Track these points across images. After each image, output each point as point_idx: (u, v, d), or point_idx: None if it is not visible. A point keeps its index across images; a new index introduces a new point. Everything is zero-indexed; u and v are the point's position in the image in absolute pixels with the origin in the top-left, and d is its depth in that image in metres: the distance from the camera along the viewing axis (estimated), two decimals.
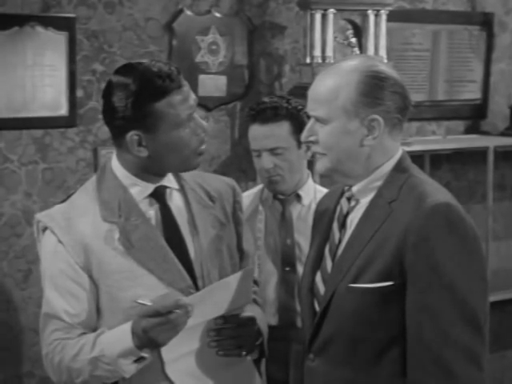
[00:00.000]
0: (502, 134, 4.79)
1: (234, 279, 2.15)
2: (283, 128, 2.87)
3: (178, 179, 2.27)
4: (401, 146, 2.11)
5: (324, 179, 3.06)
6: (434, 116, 4.69)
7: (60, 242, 2.13)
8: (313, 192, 3.00)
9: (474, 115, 4.82)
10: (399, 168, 2.06)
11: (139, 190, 2.19)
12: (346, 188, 2.12)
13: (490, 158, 4.51)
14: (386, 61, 4.01)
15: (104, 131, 3.90)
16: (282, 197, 3.00)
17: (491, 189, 4.54)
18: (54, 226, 2.15)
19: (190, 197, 2.26)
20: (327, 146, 2.03)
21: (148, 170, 2.18)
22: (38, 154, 3.79)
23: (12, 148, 3.74)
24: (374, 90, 2.00)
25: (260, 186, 3.13)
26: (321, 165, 2.07)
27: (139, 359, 2.07)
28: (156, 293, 2.08)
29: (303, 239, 2.90)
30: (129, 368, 2.07)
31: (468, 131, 4.83)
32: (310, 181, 3.04)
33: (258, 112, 2.89)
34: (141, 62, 2.17)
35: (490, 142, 4.57)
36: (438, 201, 1.95)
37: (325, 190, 2.97)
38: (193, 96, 2.17)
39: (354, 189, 2.08)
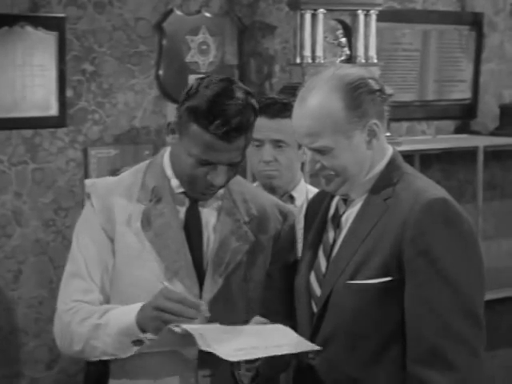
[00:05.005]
0: (492, 134, 4.80)
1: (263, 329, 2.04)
2: (289, 125, 2.84)
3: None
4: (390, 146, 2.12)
5: (314, 179, 3.06)
6: (423, 116, 4.70)
7: (93, 206, 2.20)
8: (305, 193, 2.99)
9: (464, 115, 4.83)
10: (392, 166, 2.06)
11: (178, 183, 2.20)
12: None
13: (480, 157, 4.51)
14: (375, 60, 4.02)
15: (94, 131, 3.89)
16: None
17: (481, 188, 4.54)
18: (93, 191, 2.22)
19: (224, 207, 2.22)
20: (339, 169, 2.02)
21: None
22: (27, 154, 3.78)
23: (2, 148, 3.73)
24: (359, 99, 1.99)
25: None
26: (334, 186, 2.05)
27: (137, 342, 2.04)
28: (157, 279, 2.07)
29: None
30: (124, 347, 2.05)
31: (458, 131, 4.83)
32: (303, 182, 3.03)
33: (267, 105, 2.85)
34: (233, 94, 2.07)
35: (480, 142, 4.57)
36: (435, 196, 1.96)
37: (316, 190, 2.97)
38: (230, 155, 2.09)
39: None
